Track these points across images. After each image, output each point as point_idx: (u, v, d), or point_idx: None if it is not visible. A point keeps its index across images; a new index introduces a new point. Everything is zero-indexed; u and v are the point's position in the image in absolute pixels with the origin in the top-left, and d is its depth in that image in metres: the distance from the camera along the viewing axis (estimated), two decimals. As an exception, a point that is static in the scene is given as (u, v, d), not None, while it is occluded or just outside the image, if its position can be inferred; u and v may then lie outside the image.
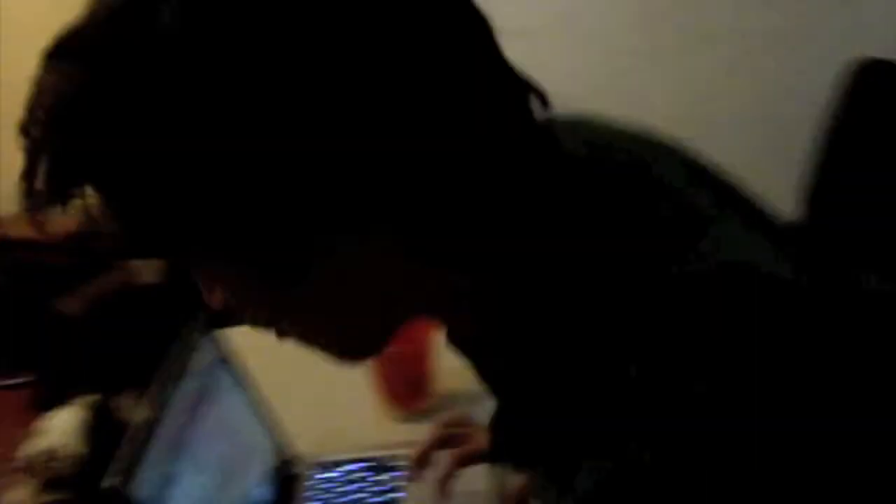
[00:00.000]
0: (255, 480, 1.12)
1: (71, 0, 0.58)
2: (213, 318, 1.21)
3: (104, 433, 1.66)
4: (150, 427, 0.94)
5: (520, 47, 0.63)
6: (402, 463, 1.18)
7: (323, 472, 1.20)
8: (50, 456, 2.39)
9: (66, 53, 0.53)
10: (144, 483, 0.88)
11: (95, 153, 0.55)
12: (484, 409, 1.12)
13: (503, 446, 0.66)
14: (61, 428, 2.44)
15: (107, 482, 0.85)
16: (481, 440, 1.07)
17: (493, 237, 0.57)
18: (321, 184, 0.52)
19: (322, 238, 0.54)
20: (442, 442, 1.09)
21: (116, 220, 0.61)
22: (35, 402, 3.02)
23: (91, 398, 2.41)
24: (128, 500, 0.86)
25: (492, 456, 0.99)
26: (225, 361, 1.18)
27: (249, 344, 1.40)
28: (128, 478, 0.86)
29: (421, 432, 1.24)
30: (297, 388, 1.39)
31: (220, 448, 1.07)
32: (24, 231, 3.08)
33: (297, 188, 0.52)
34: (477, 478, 1.11)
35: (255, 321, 0.64)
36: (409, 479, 1.11)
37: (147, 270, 2.25)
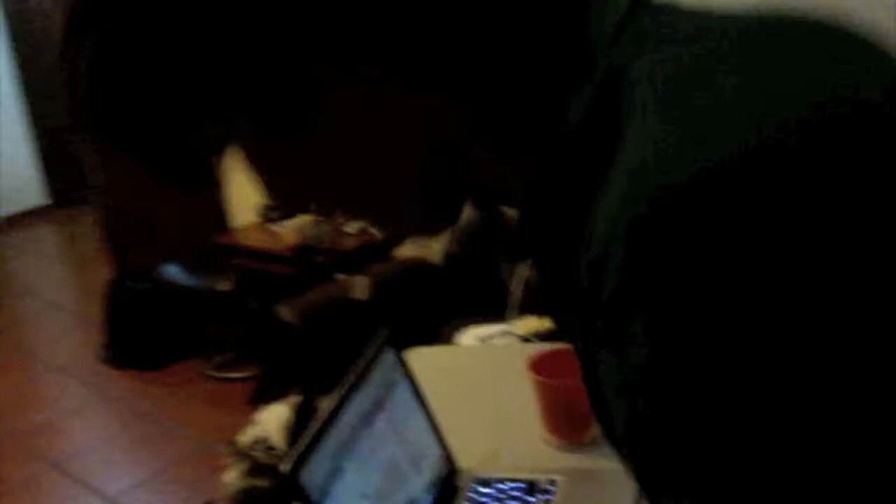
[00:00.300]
0: (418, 487, 1.23)
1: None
2: (399, 337, 1.35)
3: (303, 431, 1.81)
4: (327, 424, 1.08)
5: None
6: (554, 488, 1.26)
7: (481, 488, 1.30)
8: (258, 445, 2.62)
9: None
10: (314, 472, 1.02)
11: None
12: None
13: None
14: (271, 421, 2.67)
15: (282, 467, 0.99)
16: None
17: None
18: (315, 12, 0.53)
19: (318, 75, 0.55)
20: None
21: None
22: (255, 396, 3.30)
23: (297, 398, 2.63)
24: (298, 486, 1.00)
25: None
26: (404, 375, 1.31)
27: (428, 364, 1.54)
28: (300, 465, 1.00)
29: (578, 462, 1.33)
30: (466, 408, 1.52)
31: (389, 452, 1.20)
32: (256, 241, 3.39)
33: (292, 20, 0.53)
34: None
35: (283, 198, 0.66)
36: None
37: (358, 287, 2.43)
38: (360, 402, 1.17)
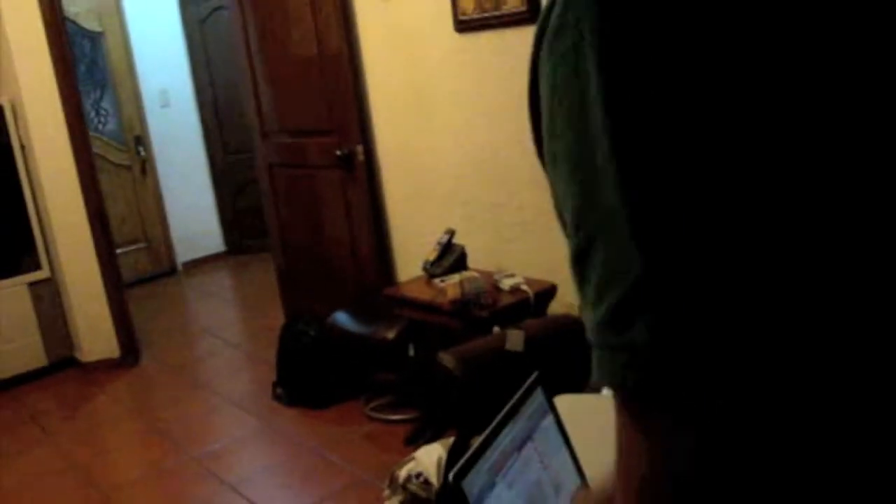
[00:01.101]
0: (558, 509, 1.45)
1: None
2: (549, 385, 1.57)
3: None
4: (486, 443, 1.31)
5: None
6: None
7: (613, 516, 1.50)
8: (415, 479, 2.87)
9: None
10: (472, 483, 1.25)
11: None
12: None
13: None
14: (427, 458, 2.91)
15: (450, 474, 1.23)
16: None
17: None
18: None
19: None
20: None
21: None
22: (411, 437, 3.57)
23: (452, 439, 2.87)
24: (461, 490, 1.23)
25: None
26: (551, 412, 1.53)
27: (572, 407, 1.75)
28: (464, 473, 1.24)
29: None
30: (604, 447, 1.72)
31: (535, 476, 1.42)
32: (419, 294, 3.67)
33: None
34: None
35: None
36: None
37: (513, 339, 2.67)
38: (512, 431, 1.40)
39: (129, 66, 7.07)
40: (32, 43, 4.92)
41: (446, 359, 2.65)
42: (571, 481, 1.52)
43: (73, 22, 6.76)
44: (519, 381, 2.50)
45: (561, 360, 2.77)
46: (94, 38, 6.92)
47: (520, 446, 1.41)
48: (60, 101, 5.00)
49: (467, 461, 1.26)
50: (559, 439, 1.54)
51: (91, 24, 6.87)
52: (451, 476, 1.23)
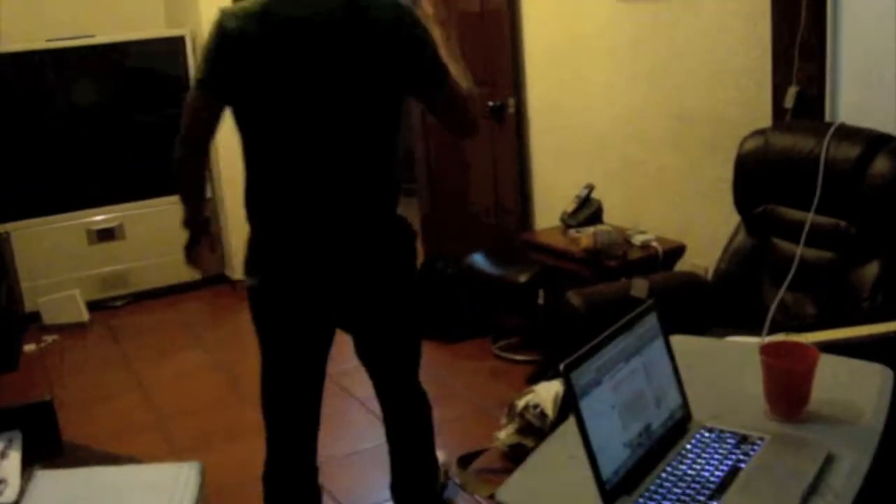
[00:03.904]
0: (656, 419, 1.64)
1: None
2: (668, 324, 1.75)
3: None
4: (599, 345, 1.52)
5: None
6: (761, 443, 1.62)
7: (706, 433, 1.68)
8: (532, 409, 3.08)
9: None
10: (581, 375, 1.46)
11: None
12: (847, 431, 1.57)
13: None
14: (545, 393, 3.12)
15: (561, 364, 1.44)
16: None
17: None
18: None
19: None
20: None
21: None
22: (533, 376, 3.79)
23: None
24: (569, 381, 1.44)
25: None
26: (662, 334, 1.73)
27: (685, 345, 1.93)
28: (575, 365, 1.45)
29: (788, 430, 1.68)
30: (707, 377, 1.91)
31: (639, 386, 1.62)
32: (554, 241, 3.86)
33: None
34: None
35: None
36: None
37: (638, 287, 2.84)
38: (624, 342, 1.61)
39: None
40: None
41: (573, 297, 2.85)
42: (673, 400, 1.71)
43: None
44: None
45: (681, 311, 2.92)
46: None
47: (628, 357, 1.61)
48: (237, 34, 5.34)
49: (579, 357, 1.47)
50: (666, 362, 1.74)
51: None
52: (561, 366, 1.43)
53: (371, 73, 2.19)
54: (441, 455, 2.91)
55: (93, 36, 5.43)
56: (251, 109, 2.22)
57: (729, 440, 1.65)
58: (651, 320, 1.72)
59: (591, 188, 3.93)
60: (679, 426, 1.70)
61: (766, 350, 1.77)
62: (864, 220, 2.65)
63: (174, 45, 5.54)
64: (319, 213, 2.26)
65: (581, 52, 4.19)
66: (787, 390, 1.74)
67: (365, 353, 2.60)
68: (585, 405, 1.45)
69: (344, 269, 2.31)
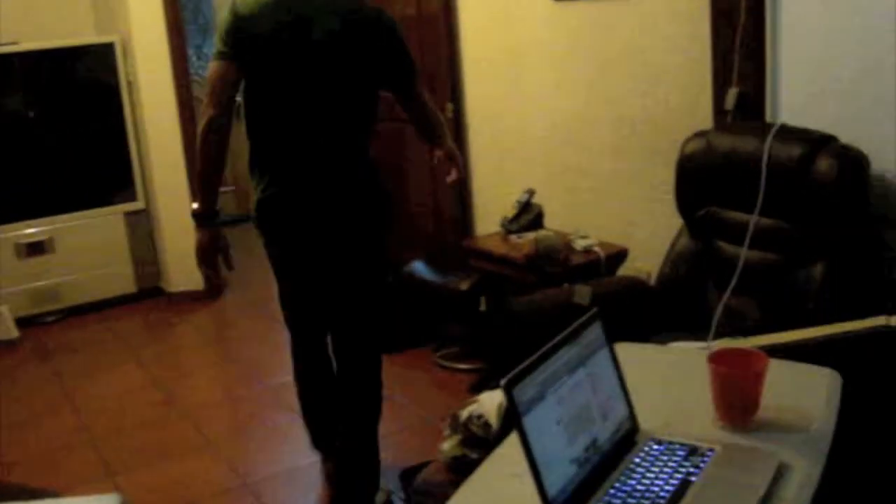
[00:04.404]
0: (603, 433, 1.57)
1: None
2: (612, 333, 1.69)
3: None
4: (541, 359, 1.45)
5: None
6: (711, 454, 1.57)
7: (654, 445, 1.62)
8: (475, 420, 2.99)
9: None
10: (524, 391, 1.39)
11: None
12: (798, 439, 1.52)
13: None
14: (489, 402, 3.04)
15: (503, 380, 1.36)
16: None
17: None
18: None
19: None
20: None
21: None
22: (477, 385, 3.71)
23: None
24: (510, 395, 1.37)
25: None
26: (606, 344, 1.66)
27: (628, 353, 1.87)
28: (516, 381, 1.37)
29: (738, 440, 1.62)
30: (654, 386, 1.85)
31: (584, 398, 1.55)
32: (495, 247, 3.80)
33: None
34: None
35: None
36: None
37: (581, 293, 2.79)
38: (567, 354, 1.53)
39: (233, 14, 7.29)
40: (144, -18, 5.15)
41: (515, 304, 2.79)
42: (619, 412, 1.64)
43: (184, -33, 7.01)
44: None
45: (625, 317, 2.88)
46: (202, -17, 7.16)
47: (573, 369, 1.54)
48: (167, 39, 5.23)
49: (520, 372, 1.40)
50: (612, 373, 1.67)
51: (200, -30, 7.11)
52: (502, 382, 1.36)
53: (355, 66, 2.72)
54: (383, 483, 3.15)
55: (16, 43, 5.26)
56: (256, 82, 2.67)
57: (678, 452, 1.59)
58: (595, 330, 1.66)
59: (531, 193, 3.88)
60: (627, 439, 1.63)
61: (714, 358, 1.71)
62: (808, 221, 2.62)
63: (104, 52, 5.39)
64: (309, 168, 2.76)
65: (519, 55, 4.14)
66: (736, 398, 1.69)
67: (333, 301, 3.02)
68: (529, 421, 1.38)
69: (327, 207, 2.79)
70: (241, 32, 2.61)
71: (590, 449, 1.52)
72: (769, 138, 2.67)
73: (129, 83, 5.42)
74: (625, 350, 1.95)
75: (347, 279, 2.95)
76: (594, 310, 1.67)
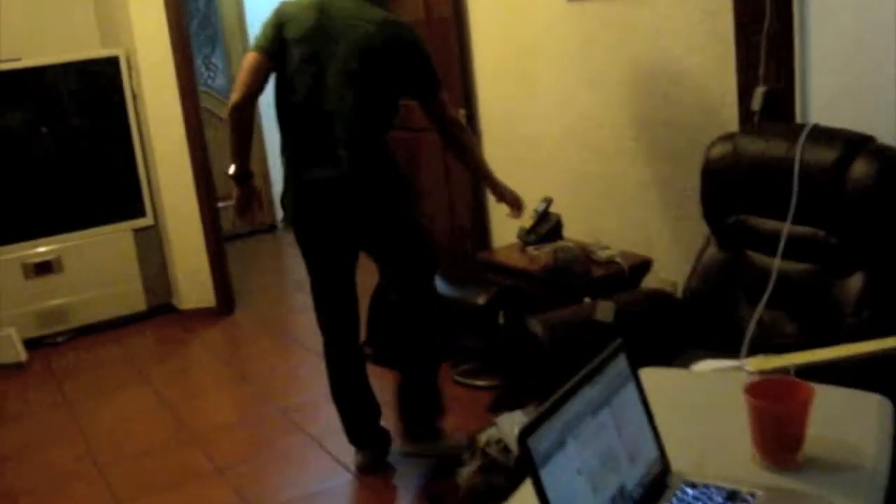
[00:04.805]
0: (631, 478, 1.41)
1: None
2: (637, 359, 1.53)
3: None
4: (559, 403, 1.29)
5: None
6: (753, 500, 1.40)
7: (689, 489, 1.46)
8: (495, 445, 2.85)
9: None
10: (541, 439, 1.23)
11: None
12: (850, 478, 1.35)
13: None
14: (508, 426, 2.89)
15: (517, 428, 1.20)
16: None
17: None
18: None
19: None
20: None
21: None
22: (495, 404, 3.55)
23: (535, 407, 2.83)
24: (526, 448, 1.21)
25: None
26: (633, 379, 1.50)
27: (657, 381, 1.71)
28: (531, 430, 1.21)
29: (780, 482, 1.46)
30: (685, 421, 1.68)
31: (609, 442, 1.38)
32: (513, 260, 3.64)
33: None
34: None
35: None
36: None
37: (603, 310, 2.62)
38: (589, 393, 1.37)
39: (241, 23, 7.17)
40: (149, -4, 5.03)
41: (534, 324, 2.62)
42: (648, 453, 1.48)
43: (190, -24, 6.88)
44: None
45: (651, 334, 2.71)
46: (209, -7, 7.03)
47: (596, 410, 1.38)
48: (172, 52, 5.10)
49: (537, 419, 1.24)
50: (639, 409, 1.51)
51: (207, -20, 6.98)
52: (517, 431, 1.20)
53: (377, 75, 2.92)
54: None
55: (19, 59, 5.14)
56: (285, 79, 2.94)
57: (716, 497, 1.43)
58: (620, 363, 1.49)
59: (549, 202, 3.72)
60: (657, 483, 1.47)
61: (751, 389, 1.54)
62: (845, 228, 2.44)
63: (109, 66, 5.26)
64: (328, 158, 2.96)
65: (531, 57, 3.98)
66: (778, 435, 1.52)
67: (382, 264, 3.27)
68: (547, 474, 1.22)
69: (351, 191, 2.99)
70: (278, 31, 2.92)
71: (617, 498, 1.35)
72: (801, 140, 2.49)
73: (135, 97, 5.29)
74: (651, 376, 1.79)
75: (381, 233, 3.13)
76: (618, 341, 1.51)
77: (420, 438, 3.38)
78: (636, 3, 3.34)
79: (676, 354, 2.56)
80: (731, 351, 2.43)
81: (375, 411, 3.41)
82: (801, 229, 2.50)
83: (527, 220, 3.73)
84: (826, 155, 2.44)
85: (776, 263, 2.51)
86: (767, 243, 2.56)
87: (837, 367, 2.19)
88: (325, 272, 3.26)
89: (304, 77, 2.92)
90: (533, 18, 3.90)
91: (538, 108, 4.01)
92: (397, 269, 3.24)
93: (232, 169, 3.10)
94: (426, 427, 3.38)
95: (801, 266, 2.51)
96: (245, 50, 7.18)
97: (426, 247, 3.24)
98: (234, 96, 2.94)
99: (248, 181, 3.14)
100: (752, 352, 2.39)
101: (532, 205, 3.79)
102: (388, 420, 3.51)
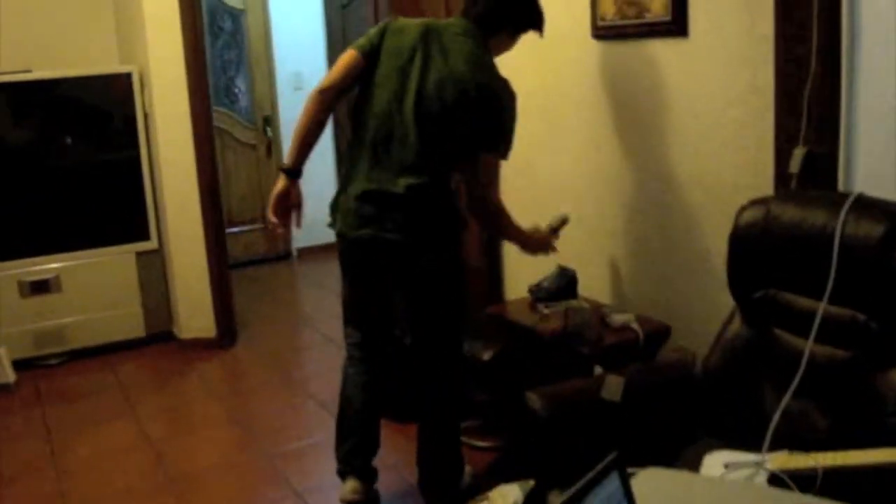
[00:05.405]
0: None
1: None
2: (640, 449, 1.28)
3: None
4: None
5: None
6: None
7: None
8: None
9: None
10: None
11: None
12: None
13: None
14: (505, 497, 2.65)
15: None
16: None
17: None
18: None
19: None
20: None
21: None
22: (492, 468, 3.31)
23: (531, 483, 2.58)
24: None
25: None
26: (627, 494, 1.24)
27: (659, 487, 1.45)
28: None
29: None
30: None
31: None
32: (522, 318, 3.39)
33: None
34: None
35: None
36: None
37: (611, 387, 2.35)
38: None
39: (267, 46, 7.01)
40: (166, 13, 4.84)
41: (533, 399, 2.36)
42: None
43: (217, -3, 6.74)
44: (612, 434, 2.20)
45: (661, 418, 2.45)
46: (236, 15, 6.87)
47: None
48: (186, 72, 4.91)
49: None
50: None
51: (234, 1, 6.83)
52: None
53: (452, 119, 2.84)
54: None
55: (29, 71, 4.98)
56: (366, 89, 2.92)
57: None
58: (613, 482, 1.23)
59: (564, 220, 3.34)
60: None
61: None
62: (889, 313, 2.15)
63: (121, 82, 5.08)
64: (388, 183, 2.88)
65: (555, 102, 3.74)
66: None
67: (408, 311, 3.13)
68: None
69: (401, 228, 2.89)
70: (379, 38, 2.91)
71: None
72: (843, 211, 2.21)
73: (146, 115, 5.11)
74: (653, 480, 1.53)
75: (422, 274, 2.99)
76: (614, 455, 1.24)
77: None
78: (670, 46, 3.09)
79: (688, 442, 2.29)
80: (750, 443, 2.17)
81: (374, 443, 3.24)
82: (839, 311, 2.22)
83: (539, 270, 3.48)
84: (871, 229, 2.17)
85: (808, 346, 2.23)
86: (799, 323, 2.28)
87: (874, 473, 1.93)
88: (357, 290, 3.18)
89: (385, 91, 2.87)
90: (559, 56, 3.66)
91: (559, 155, 3.76)
92: (426, 314, 3.09)
93: (285, 161, 3.04)
94: (446, 495, 3.21)
95: (836, 352, 2.23)
96: (270, 73, 7.07)
97: (463, 299, 3.12)
98: (321, 83, 2.93)
99: (295, 181, 3.03)
100: (776, 446, 2.13)
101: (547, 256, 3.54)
102: (385, 484, 3.26)
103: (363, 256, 2.99)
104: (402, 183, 2.84)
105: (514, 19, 3.01)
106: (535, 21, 3.05)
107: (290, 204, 3.08)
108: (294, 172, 3.02)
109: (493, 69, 2.92)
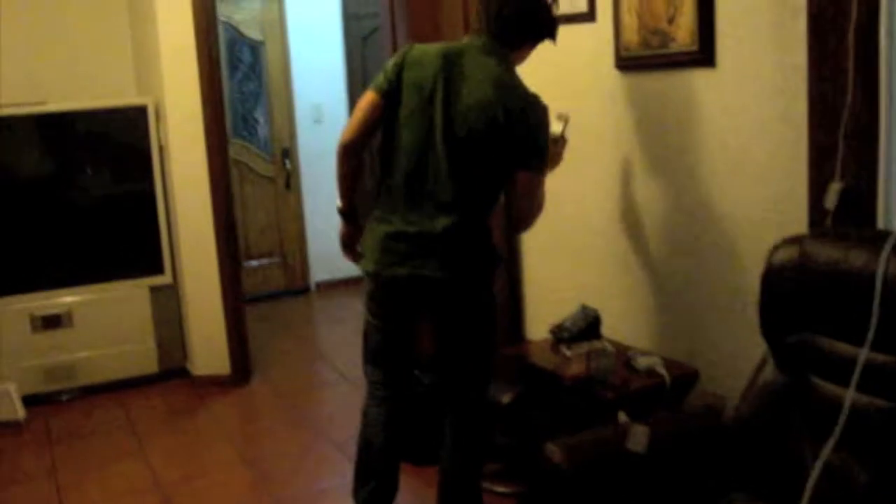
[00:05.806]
0: None
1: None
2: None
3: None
4: None
5: None
6: None
7: None
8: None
9: None
10: None
11: None
12: None
13: None
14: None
15: None
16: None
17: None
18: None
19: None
20: None
21: None
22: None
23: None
24: None
25: None
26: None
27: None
28: None
29: None
30: None
31: None
32: (543, 360, 3.25)
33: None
34: None
35: None
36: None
37: (636, 438, 2.21)
38: None
39: (286, 78, 6.95)
40: (182, 46, 4.79)
41: (553, 450, 2.22)
42: None
43: (235, 29, 6.70)
44: (637, 487, 2.05)
45: (689, 471, 2.31)
46: (255, 46, 6.83)
47: None
48: (202, 105, 4.84)
49: None
50: None
51: (253, 33, 6.79)
52: None
53: (485, 146, 2.75)
54: None
55: (44, 103, 4.92)
56: (392, 124, 2.82)
57: None
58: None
59: (566, 120, 3.19)
60: None
61: None
62: (936, 361, 2.01)
63: (136, 115, 5.02)
64: (422, 220, 2.80)
65: (579, 134, 3.61)
66: None
67: (441, 350, 3.07)
68: None
69: (434, 267, 2.81)
70: (398, 73, 2.78)
71: None
72: (885, 251, 2.07)
73: (161, 149, 5.04)
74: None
75: (452, 316, 2.95)
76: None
77: None
78: (699, 77, 2.97)
79: (718, 497, 2.15)
80: (784, 498, 2.02)
81: (394, 486, 3.16)
82: (882, 357, 2.07)
83: (562, 307, 3.35)
84: (916, 271, 2.03)
85: (849, 395, 2.08)
86: (838, 371, 2.14)
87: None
88: (387, 328, 3.05)
89: (411, 130, 2.77)
90: (582, 88, 3.55)
91: (581, 189, 3.64)
92: (460, 352, 3.02)
93: (339, 203, 3.05)
94: None
95: (879, 402, 2.07)
96: (289, 105, 7.01)
97: (495, 338, 3.03)
98: (345, 135, 2.86)
99: (354, 219, 3.05)
100: (812, 502, 1.97)
101: (570, 293, 3.41)
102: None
103: (399, 295, 2.91)
104: (441, 224, 2.76)
105: (536, 31, 2.90)
106: (553, 29, 2.95)
107: (354, 239, 3.09)
108: (348, 215, 3.04)
109: (518, 87, 2.80)
